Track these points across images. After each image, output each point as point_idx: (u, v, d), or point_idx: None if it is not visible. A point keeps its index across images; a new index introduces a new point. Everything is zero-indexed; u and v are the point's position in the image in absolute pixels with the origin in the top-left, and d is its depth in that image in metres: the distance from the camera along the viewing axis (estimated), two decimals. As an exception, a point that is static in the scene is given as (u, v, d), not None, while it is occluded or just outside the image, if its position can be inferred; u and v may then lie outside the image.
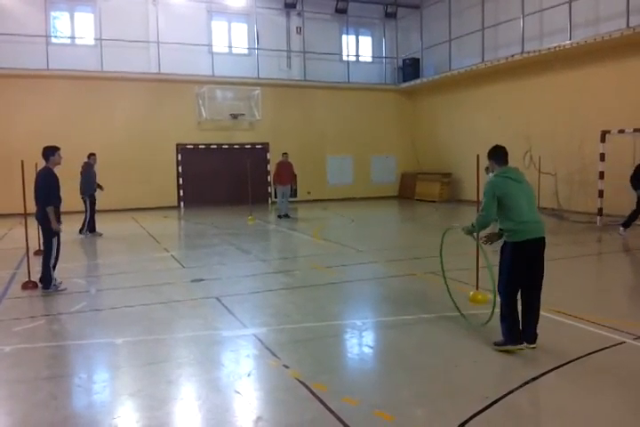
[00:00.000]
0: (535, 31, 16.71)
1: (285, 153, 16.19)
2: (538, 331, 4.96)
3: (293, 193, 21.46)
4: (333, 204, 20.40)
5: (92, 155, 13.14)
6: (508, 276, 4.92)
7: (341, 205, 20.15)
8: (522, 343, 4.89)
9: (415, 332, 5.66)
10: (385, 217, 17.23)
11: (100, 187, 13.05)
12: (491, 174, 5.18)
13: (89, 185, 12.78)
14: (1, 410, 4.04)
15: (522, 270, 4.89)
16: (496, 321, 5.05)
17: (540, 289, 4.98)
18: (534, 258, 4.89)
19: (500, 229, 4.98)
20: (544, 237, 4.92)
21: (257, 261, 9.65)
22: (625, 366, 4.61)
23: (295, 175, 16.29)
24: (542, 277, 4.96)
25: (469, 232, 5.27)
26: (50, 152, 7.64)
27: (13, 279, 8.26)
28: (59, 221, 7.51)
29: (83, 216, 12.77)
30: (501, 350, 4.90)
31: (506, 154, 5.06)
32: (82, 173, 12.83)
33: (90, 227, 12.67)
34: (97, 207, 12.97)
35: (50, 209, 7.34)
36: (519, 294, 4.97)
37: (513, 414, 3.82)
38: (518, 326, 4.93)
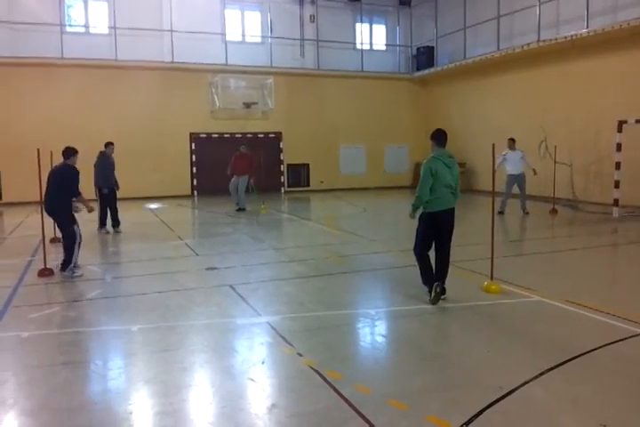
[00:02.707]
0: (551, 19, 16.45)
1: (243, 145, 15.93)
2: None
3: (306, 182, 21.50)
4: (346, 193, 20.35)
5: (109, 144, 11.97)
6: (420, 239, 6.21)
7: (354, 194, 20.10)
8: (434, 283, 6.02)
9: (428, 321, 5.66)
10: (398, 207, 17.14)
11: (116, 184, 11.85)
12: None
13: (100, 177, 11.60)
14: (20, 394, 4.10)
15: (430, 235, 6.14)
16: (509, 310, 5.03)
17: (447, 248, 6.19)
18: (441, 225, 6.09)
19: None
20: (452, 209, 6.12)
21: (270, 250, 9.67)
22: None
23: (252, 167, 15.65)
24: (449, 239, 6.18)
25: (414, 210, 6.28)
26: (70, 153, 8.04)
27: (30, 267, 8.35)
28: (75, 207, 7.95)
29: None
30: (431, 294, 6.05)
31: (445, 137, 6.01)
32: (95, 164, 11.64)
33: (100, 221, 11.66)
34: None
35: (80, 197, 7.80)
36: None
37: (528, 405, 3.80)
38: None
